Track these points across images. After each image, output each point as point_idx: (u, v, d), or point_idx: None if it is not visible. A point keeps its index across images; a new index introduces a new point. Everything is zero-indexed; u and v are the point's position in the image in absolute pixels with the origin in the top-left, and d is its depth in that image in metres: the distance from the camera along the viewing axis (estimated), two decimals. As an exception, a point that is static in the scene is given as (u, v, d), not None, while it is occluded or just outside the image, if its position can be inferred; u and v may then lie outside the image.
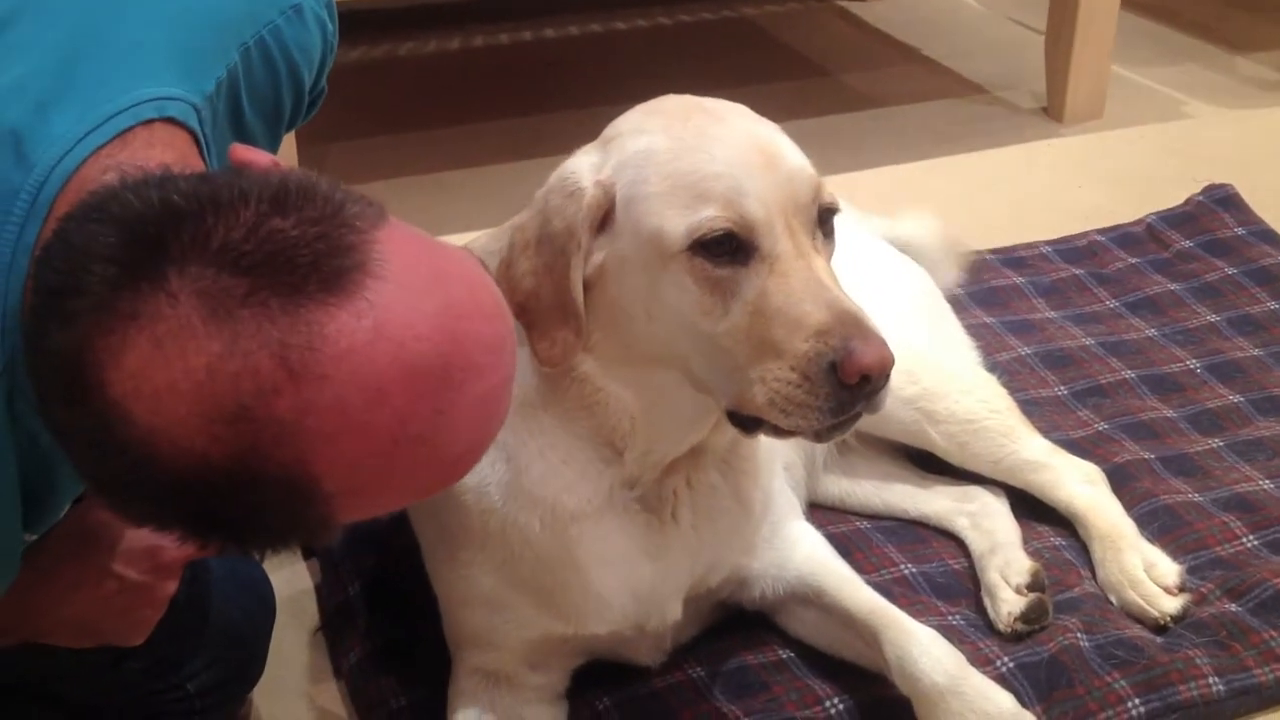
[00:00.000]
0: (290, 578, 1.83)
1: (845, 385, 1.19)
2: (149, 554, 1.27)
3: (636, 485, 1.41)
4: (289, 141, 2.61)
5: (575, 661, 1.54)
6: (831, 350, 1.18)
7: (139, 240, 0.93)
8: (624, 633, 1.48)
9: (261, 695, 1.63)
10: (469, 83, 3.55)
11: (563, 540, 1.40)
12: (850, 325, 1.20)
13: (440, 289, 0.99)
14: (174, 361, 0.91)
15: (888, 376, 1.21)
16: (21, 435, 1.07)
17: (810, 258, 1.25)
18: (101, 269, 0.93)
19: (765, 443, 1.53)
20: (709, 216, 1.22)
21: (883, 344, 1.20)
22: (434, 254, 1.02)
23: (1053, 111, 3.27)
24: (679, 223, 1.24)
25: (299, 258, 0.93)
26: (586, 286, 1.30)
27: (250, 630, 1.57)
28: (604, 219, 1.29)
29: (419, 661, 1.59)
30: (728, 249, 1.23)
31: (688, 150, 1.27)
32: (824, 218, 1.29)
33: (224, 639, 1.52)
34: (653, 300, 1.27)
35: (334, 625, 1.71)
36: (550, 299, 1.30)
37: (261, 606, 1.59)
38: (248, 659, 1.58)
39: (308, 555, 1.85)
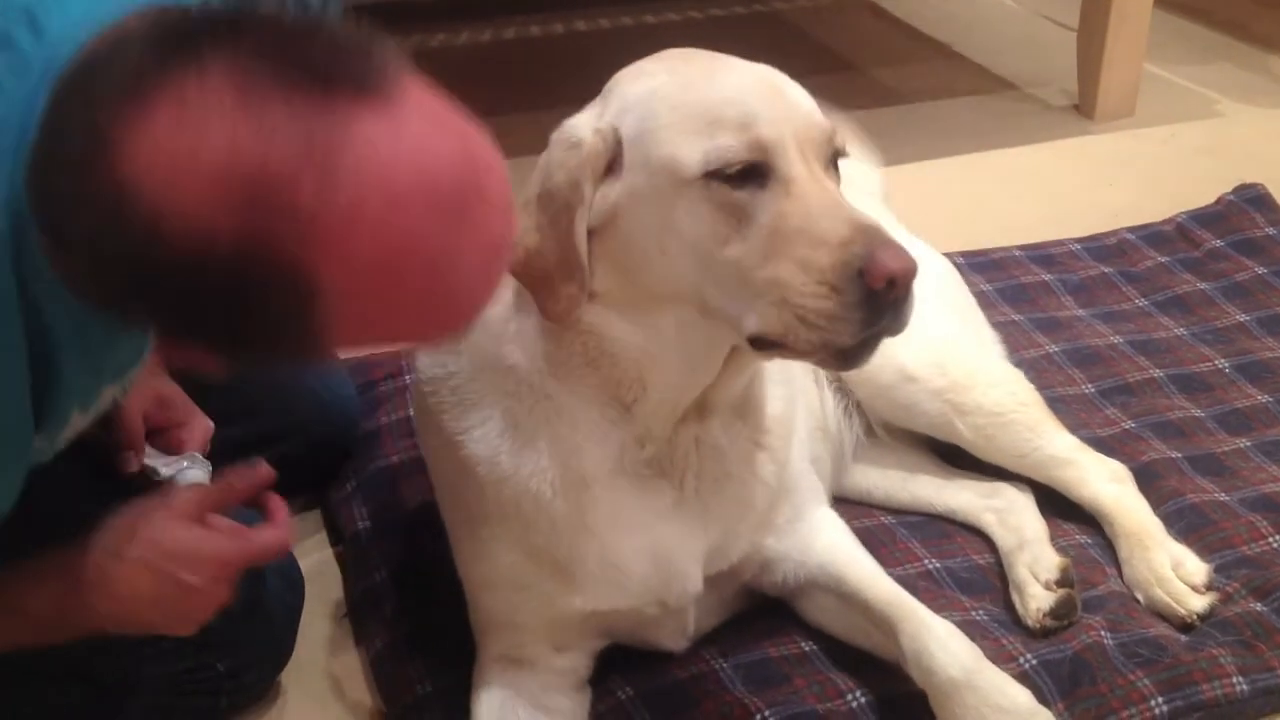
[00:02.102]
0: (318, 563, 1.84)
1: (872, 292, 1.19)
2: (215, 563, 1.29)
3: (647, 444, 1.40)
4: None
5: (598, 644, 1.54)
6: (857, 258, 1.19)
7: (174, 29, 0.94)
8: (645, 610, 1.48)
9: (287, 679, 1.65)
10: (500, 75, 3.56)
11: (574, 505, 1.40)
12: (872, 235, 1.21)
13: (459, 133, 1.02)
14: (197, 136, 0.91)
15: (911, 287, 1.21)
16: (27, 304, 1.07)
17: (824, 182, 1.26)
18: (135, 49, 0.93)
19: (784, 423, 1.53)
20: (725, 142, 1.23)
21: (904, 250, 1.21)
22: (455, 113, 1.04)
23: (1084, 109, 3.26)
24: (694, 149, 1.24)
25: (336, 62, 0.95)
26: (592, 234, 1.31)
27: (280, 612, 1.59)
28: (610, 166, 1.30)
29: (445, 648, 1.60)
30: (743, 173, 1.24)
31: (695, 84, 1.29)
32: (833, 160, 1.31)
33: (254, 619, 1.53)
34: (666, 232, 1.27)
35: (360, 611, 1.73)
36: (554, 254, 1.30)
37: (291, 589, 1.62)
38: (277, 641, 1.60)
39: (335, 541, 1.87)
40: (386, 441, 1.96)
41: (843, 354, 1.24)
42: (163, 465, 1.55)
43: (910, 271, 1.20)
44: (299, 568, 1.63)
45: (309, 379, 1.83)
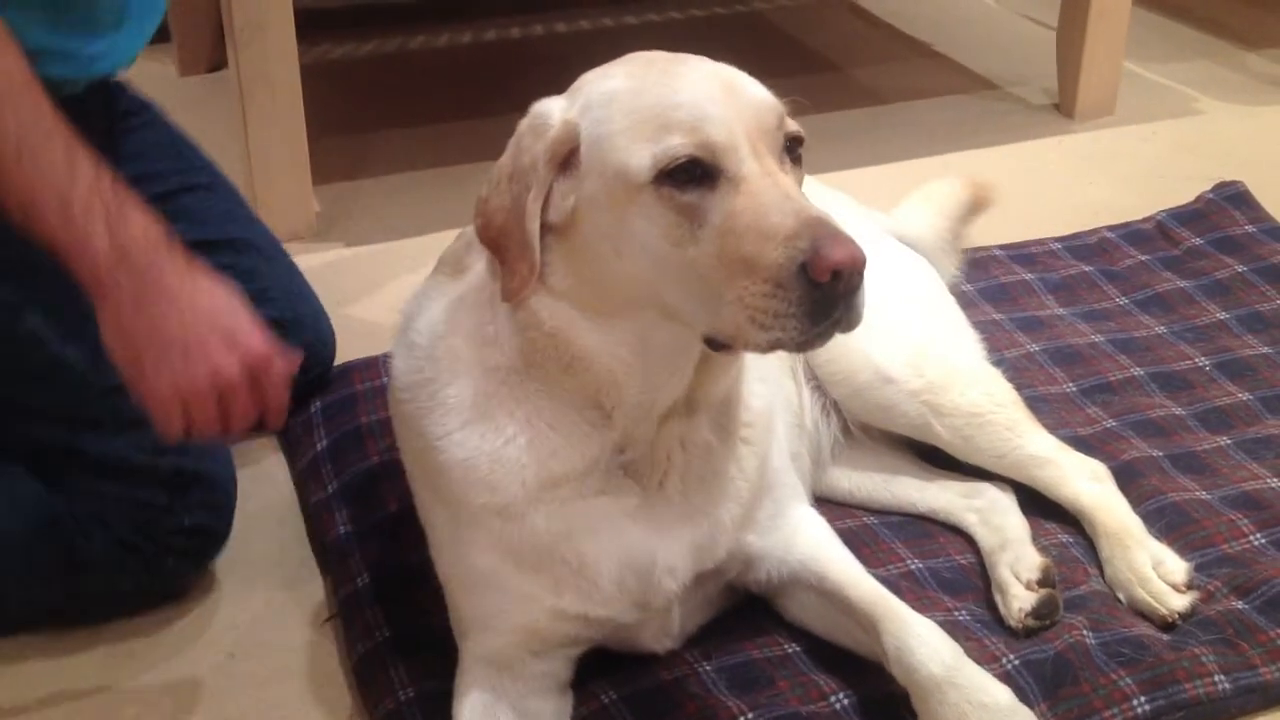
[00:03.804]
0: (300, 569, 1.84)
1: (818, 286, 1.19)
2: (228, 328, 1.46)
3: (628, 447, 1.41)
4: (301, 132, 2.61)
5: (578, 649, 1.53)
6: (800, 253, 1.19)
7: None
8: (623, 617, 1.47)
9: (271, 685, 1.64)
10: (481, 77, 3.55)
11: (546, 507, 1.41)
12: (816, 227, 1.20)
13: None
14: None
15: (860, 276, 1.21)
16: None
17: (776, 176, 1.26)
18: None
19: (766, 417, 1.54)
20: (673, 145, 1.24)
21: (851, 242, 1.20)
22: None
23: (1064, 108, 3.27)
24: (644, 154, 1.25)
25: None
26: (557, 231, 1.32)
27: (225, 491, 1.78)
28: (570, 159, 1.31)
29: (427, 653, 1.60)
30: (694, 176, 1.24)
31: (650, 88, 1.30)
32: (791, 146, 1.32)
33: (209, 488, 1.74)
34: (621, 236, 1.28)
35: (343, 616, 1.72)
36: (515, 233, 1.32)
37: (227, 467, 1.79)
38: (224, 516, 1.78)
39: (316, 546, 1.86)
40: (367, 442, 1.95)
41: (799, 343, 1.24)
42: None
43: (857, 262, 1.20)
44: (231, 456, 1.82)
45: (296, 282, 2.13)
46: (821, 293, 1.19)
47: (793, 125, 1.32)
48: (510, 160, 1.34)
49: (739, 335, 1.24)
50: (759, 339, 1.22)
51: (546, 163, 1.31)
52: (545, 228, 1.32)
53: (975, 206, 2.31)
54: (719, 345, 1.29)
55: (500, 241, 1.33)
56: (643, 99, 1.29)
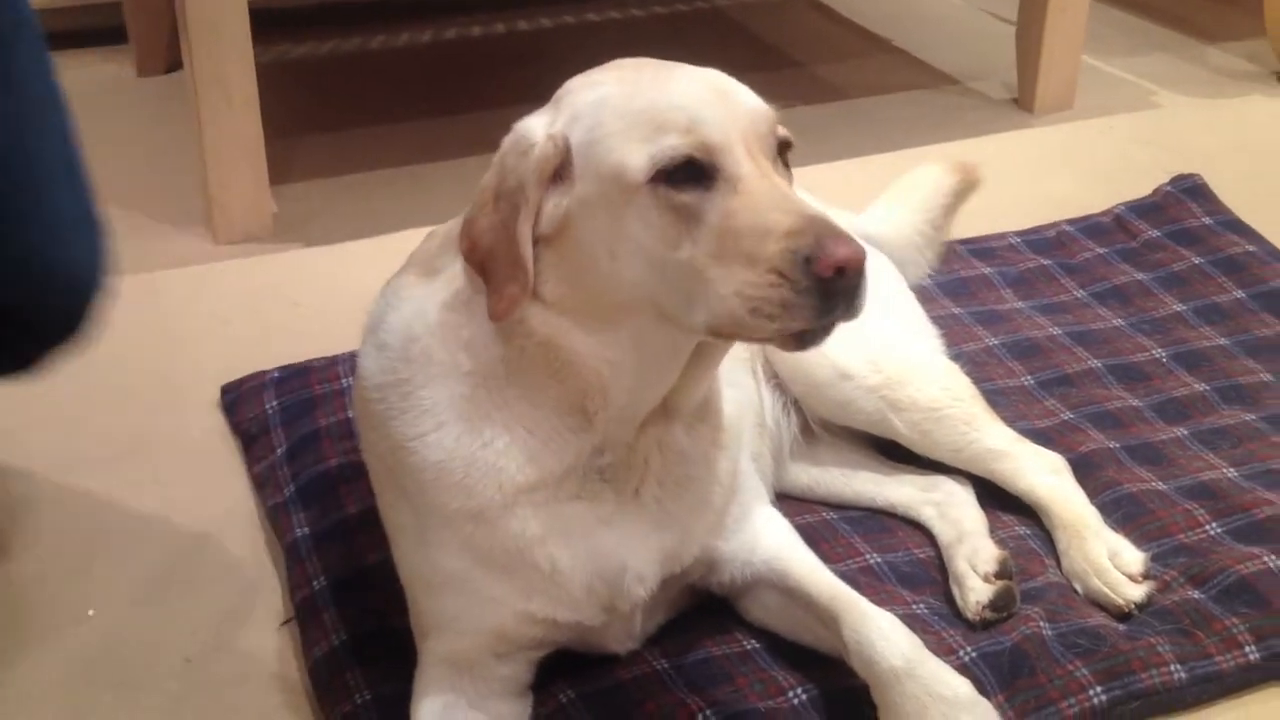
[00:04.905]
0: (258, 573, 1.82)
1: (822, 280, 1.19)
2: None
3: (607, 451, 1.41)
4: (257, 132, 2.60)
5: (541, 651, 1.53)
6: (805, 247, 1.20)
7: None
8: (590, 621, 1.47)
9: (226, 686, 1.63)
10: (441, 76, 3.54)
11: (520, 511, 1.40)
12: (819, 225, 1.21)
13: None
14: None
15: (862, 274, 1.22)
16: None
17: (772, 178, 1.27)
18: None
19: (737, 421, 1.54)
20: (670, 143, 1.25)
21: (852, 240, 1.21)
22: None
23: (1023, 102, 3.29)
24: (640, 154, 1.26)
25: None
26: (546, 241, 1.32)
27: None
28: (559, 171, 1.31)
29: (384, 657, 1.59)
30: (690, 176, 1.25)
31: (642, 91, 1.30)
32: (780, 151, 1.33)
33: None
34: (616, 238, 1.28)
35: (300, 620, 1.71)
36: (504, 254, 1.31)
37: None
38: None
39: (275, 548, 1.85)
40: (325, 445, 1.94)
41: (798, 337, 1.24)
42: None
43: (859, 259, 1.21)
44: None
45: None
46: (824, 288, 1.20)
47: (783, 131, 1.33)
48: (495, 182, 1.33)
49: (740, 328, 1.24)
50: (765, 329, 1.23)
51: (535, 183, 1.30)
52: (535, 239, 1.31)
53: (963, 191, 2.30)
54: (722, 334, 1.29)
55: (488, 263, 1.32)
56: (636, 102, 1.29)
